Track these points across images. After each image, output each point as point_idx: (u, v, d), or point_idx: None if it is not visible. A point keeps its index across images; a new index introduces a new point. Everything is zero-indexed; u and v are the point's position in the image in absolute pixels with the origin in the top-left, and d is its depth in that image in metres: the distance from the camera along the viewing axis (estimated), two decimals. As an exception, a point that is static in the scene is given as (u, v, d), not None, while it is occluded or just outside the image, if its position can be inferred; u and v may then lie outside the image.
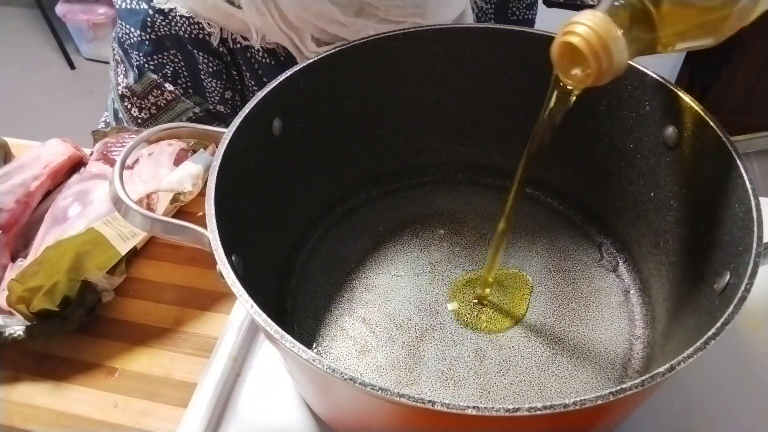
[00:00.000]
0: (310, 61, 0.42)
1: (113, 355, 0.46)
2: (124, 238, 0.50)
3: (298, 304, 0.45)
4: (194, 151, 0.58)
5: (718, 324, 0.27)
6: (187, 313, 0.48)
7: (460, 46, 0.46)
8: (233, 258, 0.34)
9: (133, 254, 0.52)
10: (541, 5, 0.79)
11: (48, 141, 0.59)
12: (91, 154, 0.59)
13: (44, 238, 0.51)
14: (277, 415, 0.42)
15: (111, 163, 0.57)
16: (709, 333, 0.27)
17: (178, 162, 0.57)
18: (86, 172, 0.57)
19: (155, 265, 0.52)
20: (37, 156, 0.57)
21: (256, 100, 0.39)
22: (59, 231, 0.51)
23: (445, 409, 0.25)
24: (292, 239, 0.48)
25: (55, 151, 0.58)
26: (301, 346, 0.27)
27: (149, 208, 0.52)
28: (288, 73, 0.41)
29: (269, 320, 0.29)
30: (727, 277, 0.32)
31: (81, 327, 0.47)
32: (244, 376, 0.44)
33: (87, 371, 0.45)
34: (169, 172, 0.55)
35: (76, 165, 0.59)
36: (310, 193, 0.48)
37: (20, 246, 0.52)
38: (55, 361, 0.46)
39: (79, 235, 0.49)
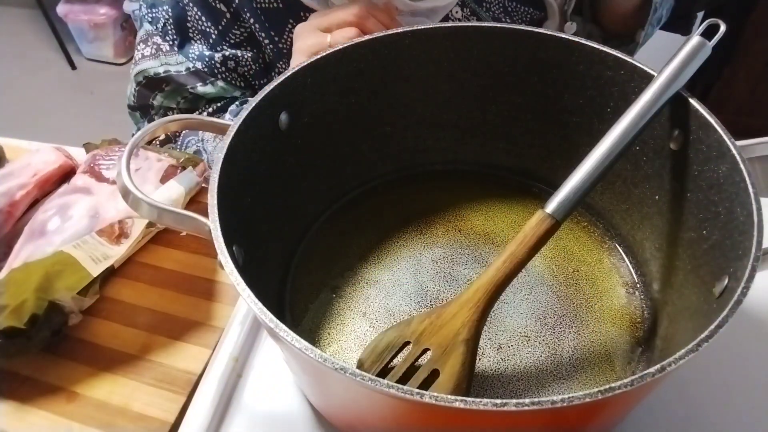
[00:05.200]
0: (318, 56, 0.43)
1: (76, 379, 0.46)
2: (96, 260, 0.50)
3: (299, 297, 0.46)
4: (183, 168, 0.58)
5: (712, 327, 0.27)
6: (155, 341, 0.48)
7: (468, 45, 0.47)
8: (234, 248, 0.34)
9: (111, 272, 0.52)
10: None
11: (40, 148, 0.59)
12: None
13: (20, 252, 0.51)
14: (277, 415, 0.42)
15: (97, 176, 0.56)
16: (702, 336, 0.27)
17: (165, 179, 0.56)
18: (71, 185, 0.57)
19: (131, 285, 0.52)
20: (28, 164, 0.57)
21: (264, 94, 0.40)
22: (34, 246, 0.51)
23: (434, 401, 0.25)
24: (295, 232, 0.49)
25: (46, 160, 0.58)
26: (295, 335, 0.28)
27: (122, 232, 0.52)
28: (295, 68, 0.42)
29: (265, 309, 0.29)
30: (726, 281, 0.32)
31: (48, 346, 0.47)
32: (245, 377, 0.44)
33: (48, 394, 0.45)
34: (154, 189, 0.55)
35: (66, 174, 0.59)
36: (315, 187, 0.49)
37: (2, 254, 0.52)
38: (18, 380, 0.46)
39: (47, 258, 0.49)
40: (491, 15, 0.66)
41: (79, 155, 0.62)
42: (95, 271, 0.49)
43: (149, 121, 0.71)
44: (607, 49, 0.43)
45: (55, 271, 0.48)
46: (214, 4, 0.63)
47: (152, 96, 0.70)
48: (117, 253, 0.52)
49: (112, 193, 0.55)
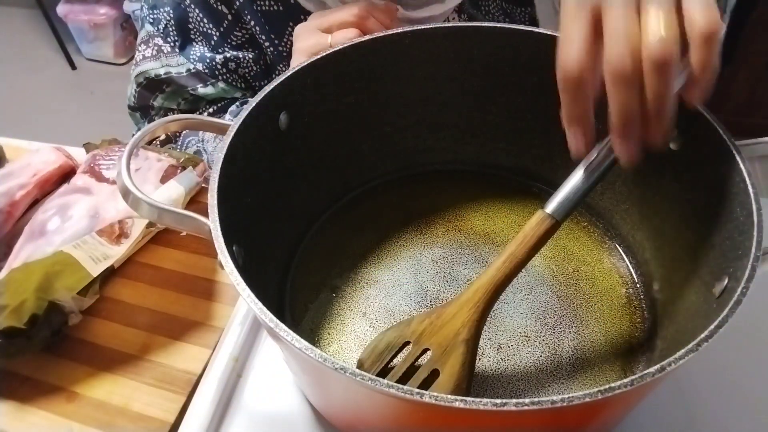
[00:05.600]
0: (318, 56, 0.43)
1: (76, 379, 0.46)
2: (96, 260, 0.50)
3: (299, 297, 0.46)
4: (183, 168, 0.58)
5: (711, 327, 0.27)
6: (155, 341, 0.48)
7: (468, 45, 0.47)
8: (234, 248, 0.34)
9: (111, 272, 0.52)
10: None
11: (40, 148, 0.59)
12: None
13: (20, 252, 0.51)
14: (277, 416, 0.42)
15: (97, 176, 0.56)
16: (702, 336, 0.27)
17: (165, 179, 0.56)
18: (71, 185, 0.56)
19: (131, 285, 0.52)
20: (28, 164, 0.57)
21: (264, 94, 0.40)
22: (34, 246, 0.51)
23: (433, 401, 0.25)
24: (295, 232, 0.49)
25: (46, 160, 0.58)
26: (295, 335, 0.28)
27: (122, 232, 0.52)
28: (296, 68, 0.42)
29: (265, 309, 0.29)
30: (726, 281, 0.32)
31: (48, 347, 0.47)
32: (245, 377, 0.44)
33: (48, 394, 0.45)
34: (154, 189, 0.55)
35: (66, 174, 0.58)
36: (315, 187, 0.49)
37: (2, 254, 0.52)
38: (18, 380, 0.46)
39: (47, 258, 0.49)
40: (491, 19, 0.66)
41: (79, 155, 0.62)
42: (95, 271, 0.49)
43: (150, 122, 0.71)
44: (607, 49, 0.42)
45: (55, 271, 0.47)
46: (215, 6, 0.63)
47: (153, 97, 0.70)
48: (117, 252, 0.52)
49: (112, 193, 0.55)
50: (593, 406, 0.26)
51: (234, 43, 0.65)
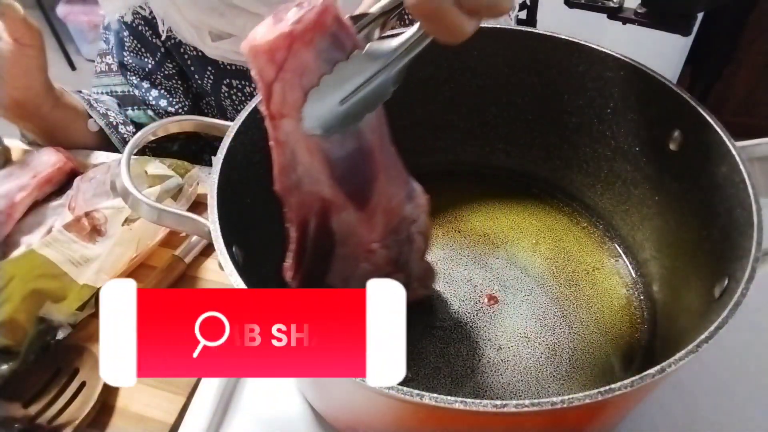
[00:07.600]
0: (318, 57, 0.43)
1: None
2: (76, 263, 0.48)
3: (300, 297, 0.46)
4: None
5: (712, 328, 0.27)
6: None
7: (467, 46, 0.46)
8: (234, 249, 0.34)
9: None
10: (562, 6, 0.78)
11: (41, 149, 0.59)
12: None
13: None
14: (277, 417, 0.42)
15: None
16: (702, 336, 0.27)
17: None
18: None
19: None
20: (27, 165, 0.57)
21: (263, 95, 0.40)
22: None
23: (433, 403, 0.25)
24: (296, 233, 0.49)
25: (46, 161, 0.57)
26: (295, 336, 0.28)
27: (93, 227, 0.50)
28: (295, 68, 0.42)
29: (265, 310, 0.29)
30: (726, 281, 0.32)
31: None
32: (245, 378, 0.44)
33: None
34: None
35: (67, 174, 0.59)
36: (315, 188, 0.49)
37: (1, 255, 0.52)
38: None
39: (20, 261, 0.47)
40: None
41: (79, 155, 0.62)
42: (79, 276, 0.47)
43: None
44: (606, 50, 0.43)
45: (37, 277, 0.46)
46: (151, 39, 0.66)
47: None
48: (96, 254, 0.49)
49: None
50: (593, 407, 0.26)
51: (166, 72, 0.68)
